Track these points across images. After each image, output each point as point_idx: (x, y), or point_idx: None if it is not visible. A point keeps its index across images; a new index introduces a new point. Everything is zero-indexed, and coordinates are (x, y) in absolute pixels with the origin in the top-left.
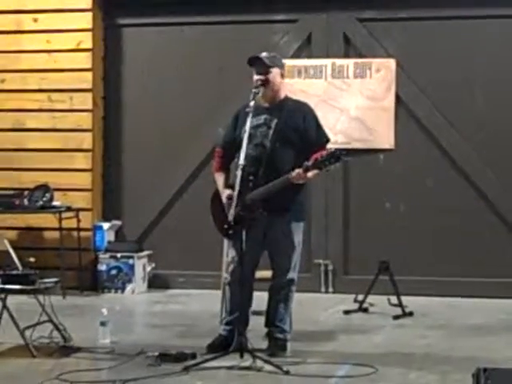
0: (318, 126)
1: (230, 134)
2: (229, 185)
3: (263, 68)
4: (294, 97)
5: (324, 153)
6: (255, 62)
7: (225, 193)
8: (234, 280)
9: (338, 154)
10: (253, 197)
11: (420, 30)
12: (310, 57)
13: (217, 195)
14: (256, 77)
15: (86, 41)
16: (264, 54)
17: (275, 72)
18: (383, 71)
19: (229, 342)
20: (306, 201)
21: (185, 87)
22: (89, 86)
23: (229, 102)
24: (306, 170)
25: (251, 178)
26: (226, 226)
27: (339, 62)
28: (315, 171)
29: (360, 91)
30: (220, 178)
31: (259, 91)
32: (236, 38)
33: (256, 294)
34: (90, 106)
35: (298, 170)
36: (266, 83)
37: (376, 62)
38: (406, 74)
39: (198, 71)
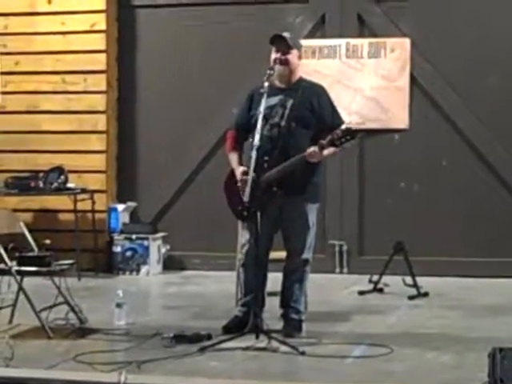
0: (333, 108)
1: (243, 115)
2: (242, 164)
3: (285, 47)
4: (309, 77)
5: (338, 130)
6: (278, 41)
7: (239, 169)
8: (248, 261)
9: (354, 131)
10: (268, 176)
11: (434, 9)
12: (323, 37)
13: (230, 178)
14: (275, 55)
15: (100, 22)
16: (287, 34)
17: (294, 53)
18: (398, 51)
19: (244, 323)
20: (321, 182)
21: (199, 68)
22: (103, 67)
23: (243, 83)
24: (322, 147)
25: (266, 158)
26: (240, 208)
27: (353, 41)
28: (331, 149)
29: (374, 71)
30: (234, 157)
31: (274, 72)
32: (250, 19)
33: (271, 275)
34: (104, 87)
35: (313, 148)
36: (285, 63)
37: (390, 41)
38: (421, 53)
39: (211, 52)
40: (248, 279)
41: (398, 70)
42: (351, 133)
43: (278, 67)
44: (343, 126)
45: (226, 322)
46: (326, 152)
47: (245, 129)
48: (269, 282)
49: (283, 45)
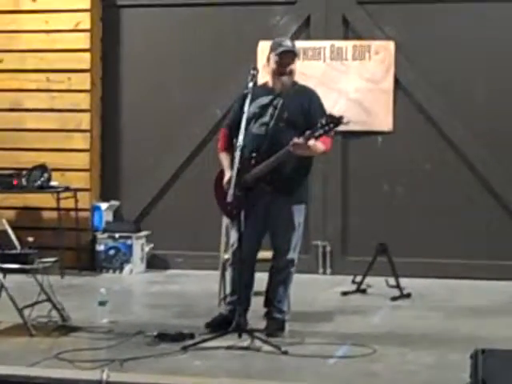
0: (323, 112)
1: (236, 115)
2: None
3: (293, 58)
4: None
5: (322, 119)
6: (287, 54)
7: (228, 173)
8: (236, 261)
9: (338, 118)
10: (256, 172)
11: (419, 12)
12: (308, 39)
13: (220, 177)
14: (280, 67)
15: (85, 21)
16: (290, 44)
17: (296, 61)
18: (382, 53)
19: (229, 322)
20: (309, 184)
21: (183, 68)
22: (87, 66)
23: (228, 83)
24: (307, 138)
25: (254, 155)
26: (229, 208)
27: (338, 43)
28: (317, 143)
29: (359, 73)
30: (225, 159)
31: (258, 72)
32: (234, 20)
33: (256, 275)
34: (88, 86)
35: (296, 139)
36: (291, 73)
37: (375, 44)
38: (405, 56)
39: (196, 52)
40: (235, 278)
41: (382, 72)
42: (335, 119)
43: (283, 78)
44: (327, 113)
45: (209, 319)
46: (311, 143)
47: (236, 128)
48: (254, 282)
49: (290, 57)
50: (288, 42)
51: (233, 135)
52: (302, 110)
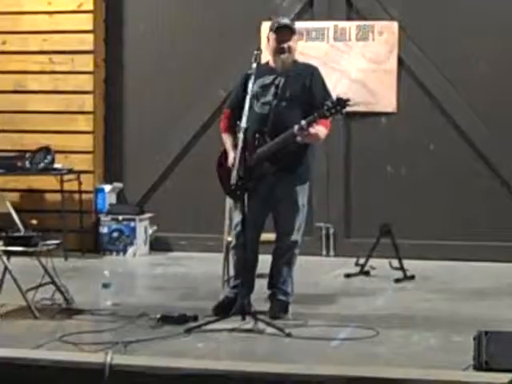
0: (325, 88)
1: (238, 95)
2: (236, 145)
3: (290, 35)
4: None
5: (328, 102)
6: (283, 30)
7: (231, 154)
8: (239, 243)
9: (345, 100)
10: (260, 153)
11: None
12: (312, 19)
13: (223, 157)
14: (277, 44)
15: (88, 2)
16: (287, 21)
17: (295, 39)
18: (386, 34)
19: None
20: (313, 163)
21: (186, 49)
22: (90, 47)
23: (230, 63)
24: (309, 123)
25: (257, 135)
26: (233, 188)
27: (341, 24)
28: (320, 129)
29: (362, 54)
30: (228, 139)
31: (261, 52)
32: (238, 1)
33: (260, 257)
34: (91, 68)
35: (301, 123)
36: (289, 51)
37: (378, 24)
38: (409, 37)
39: (199, 33)
40: (239, 261)
41: (385, 53)
42: (342, 102)
43: (282, 56)
44: (334, 97)
45: (215, 303)
46: (312, 130)
47: (239, 108)
48: (258, 264)
49: (287, 33)
50: (285, 20)
51: (235, 115)
52: (304, 87)
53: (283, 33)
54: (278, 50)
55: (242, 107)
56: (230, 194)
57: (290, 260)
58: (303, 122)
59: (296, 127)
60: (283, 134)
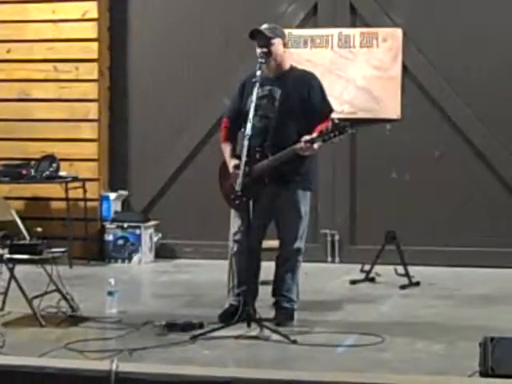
0: (323, 96)
1: (236, 104)
2: (236, 155)
3: (265, 40)
4: (300, 66)
5: (329, 125)
6: (256, 35)
7: (232, 163)
8: (240, 250)
9: (343, 126)
10: (260, 167)
11: None
12: (316, 26)
13: (224, 166)
14: (258, 50)
15: (92, 11)
16: (264, 26)
17: (277, 43)
18: (390, 41)
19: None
20: (314, 170)
21: (190, 58)
22: (95, 56)
23: (234, 72)
24: (312, 142)
25: (258, 148)
26: (233, 197)
27: (346, 31)
28: (320, 143)
29: (366, 61)
30: (227, 148)
31: (265, 61)
32: (242, 8)
33: (263, 264)
34: (95, 76)
35: (304, 139)
36: (268, 55)
37: (382, 31)
38: (413, 43)
39: (203, 41)
40: (240, 268)
41: (389, 59)
42: (340, 128)
43: (261, 60)
44: (332, 119)
45: (220, 310)
46: (316, 146)
47: (238, 118)
48: (261, 271)
49: (262, 38)
50: (263, 26)
51: (234, 124)
52: (302, 98)
53: (258, 38)
54: (258, 56)
55: (240, 116)
56: (230, 203)
57: (294, 267)
58: (303, 142)
59: (298, 146)
60: (285, 151)
